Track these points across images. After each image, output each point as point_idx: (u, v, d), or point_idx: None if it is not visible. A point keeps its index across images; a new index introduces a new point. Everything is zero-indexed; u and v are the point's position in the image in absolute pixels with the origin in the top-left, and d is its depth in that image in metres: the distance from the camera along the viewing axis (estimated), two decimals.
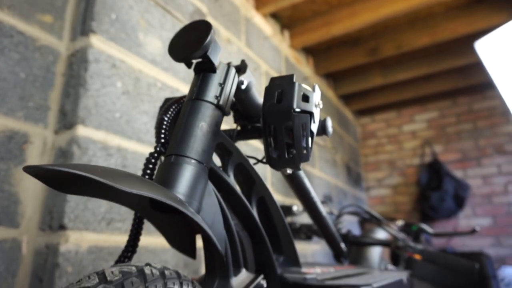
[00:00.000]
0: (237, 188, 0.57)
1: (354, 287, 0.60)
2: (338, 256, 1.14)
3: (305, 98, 0.52)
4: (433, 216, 3.28)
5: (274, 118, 0.51)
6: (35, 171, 0.36)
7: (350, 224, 2.79)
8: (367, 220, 1.13)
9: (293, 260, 0.67)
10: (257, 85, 2.19)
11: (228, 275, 0.53)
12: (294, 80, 0.52)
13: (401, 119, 3.83)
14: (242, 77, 0.60)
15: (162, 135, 0.54)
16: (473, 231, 1.05)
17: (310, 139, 0.52)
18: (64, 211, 0.92)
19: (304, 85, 0.53)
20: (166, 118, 0.55)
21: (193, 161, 0.48)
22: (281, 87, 0.52)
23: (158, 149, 0.52)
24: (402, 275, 0.95)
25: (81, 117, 1.00)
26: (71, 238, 0.92)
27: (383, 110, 3.92)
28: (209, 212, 0.49)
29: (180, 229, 0.52)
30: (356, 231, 2.41)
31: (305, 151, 0.51)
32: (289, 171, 0.53)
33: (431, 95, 3.57)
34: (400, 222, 1.16)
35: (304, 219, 1.97)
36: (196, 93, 0.53)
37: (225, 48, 1.91)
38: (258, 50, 2.26)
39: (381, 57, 2.89)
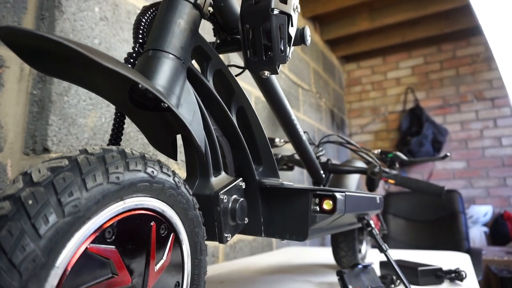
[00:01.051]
0: (216, 93, 0.59)
1: (327, 191, 0.65)
2: (317, 183, 1.19)
3: (283, 0, 0.52)
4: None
5: (252, 19, 0.51)
6: (12, 34, 0.35)
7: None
8: (345, 147, 1.17)
9: (272, 171, 0.70)
10: None
11: (208, 174, 0.56)
12: None
13: (386, 66, 3.83)
14: None
15: (140, 35, 0.53)
16: (444, 156, 1.11)
17: (287, 41, 0.53)
18: (47, 135, 0.92)
19: None
20: (143, 19, 0.54)
21: (171, 55, 0.49)
22: None
23: (136, 49, 0.52)
24: (376, 195, 1.01)
25: None
26: None
27: (369, 57, 3.90)
28: (189, 109, 0.50)
29: (160, 128, 0.53)
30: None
31: (282, 54, 0.52)
32: (266, 73, 0.55)
33: (417, 41, 3.56)
34: (376, 151, 1.21)
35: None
36: None
37: None
38: None
39: None
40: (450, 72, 3.52)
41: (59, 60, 0.42)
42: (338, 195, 0.65)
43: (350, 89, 3.99)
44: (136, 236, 0.39)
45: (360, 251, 1.32)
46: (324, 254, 1.72)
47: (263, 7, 0.50)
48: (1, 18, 0.97)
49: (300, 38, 0.58)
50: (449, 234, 2.40)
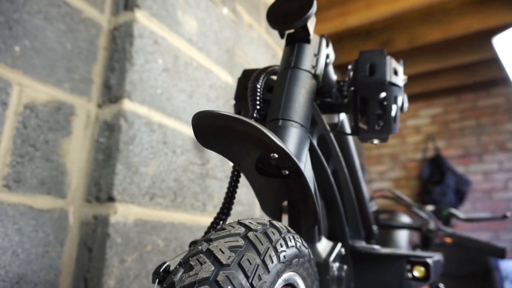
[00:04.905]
0: (323, 157, 0.59)
1: (420, 257, 0.63)
2: (369, 238, 1.17)
3: (395, 72, 0.54)
4: None
5: (367, 90, 0.52)
6: (205, 117, 0.37)
7: None
8: (400, 204, 1.16)
9: (357, 233, 0.69)
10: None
11: (314, 240, 0.55)
12: (385, 54, 0.54)
13: (405, 113, 3.87)
14: (327, 51, 0.62)
15: (258, 102, 0.55)
16: (504, 217, 1.09)
17: (398, 112, 0.54)
18: (113, 184, 0.93)
19: (393, 59, 0.55)
20: (258, 86, 0.56)
21: (298, 125, 0.50)
22: (372, 60, 0.54)
23: (255, 115, 0.54)
24: (439, 256, 0.98)
25: (127, 91, 1.00)
26: (119, 210, 0.93)
27: None
28: (309, 176, 0.50)
29: (273, 193, 0.53)
30: None
31: (394, 124, 0.53)
32: (376, 141, 0.55)
33: (436, 91, 3.62)
34: (430, 207, 1.19)
35: None
36: (294, 62, 0.55)
37: (247, 33, 1.91)
38: (276, 38, 2.26)
39: (392, 50, 2.92)
40: (471, 121, 3.54)
41: (224, 136, 0.44)
42: (430, 261, 0.63)
43: None
44: None
45: None
46: None
47: (379, 80, 0.52)
48: (75, 67, 1.01)
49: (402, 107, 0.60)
50: None
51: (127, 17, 1.08)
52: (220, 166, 1.32)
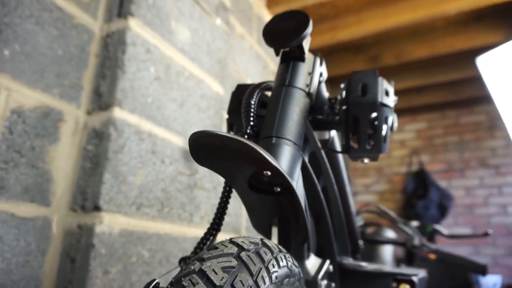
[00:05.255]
0: (314, 175, 0.60)
1: (406, 275, 0.64)
2: (355, 252, 1.17)
3: (387, 93, 0.55)
4: None
5: (360, 110, 0.54)
6: (201, 137, 0.37)
7: None
8: (385, 219, 1.17)
9: (344, 249, 0.70)
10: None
11: (303, 257, 0.55)
12: (377, 74, 0.55)
13: None
14: (321, 69, 0.63)
15: (252, 119, 0.55)
16: (485, 234, 1.11)
17: (388, 132, 0.55)
18: (100, 192, 0.91)
19: (384, 80, 0.56)
20: (252, 102, 0.56)
21: (292, 143, 0.50)
22: (364, 80, 0.55)
23: (248, 131, 0.54)
24: (424, 272, 0.99)
25: (118, 99, 1.00)
26: (105, 219, 0.91)
27: None
28: (300, 193, 0.51)
29: (264, 210, 0.53)
30: None
31: (384, 143, 0.54)
32: (366, 160, 0.56)
33: (421, 106, 3.70)
34: (414, 223, 1.21)
35: None
36: (289, 80, 0.55)
37: (239, 44, 1.93)
38: (267, 49, 2.28)
39: (380, 65, 2.98)
40: (454, 137, 3.63)
41: (219, 154, 0.44)
42: (415, 279, 0.64)
43: None
44: None
45: None
46: None
47: (371, 100, 0.53)
48: (65, 73, 1.00)
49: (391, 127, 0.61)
50: None
51: (120, 25, 1.08)
52: (208, 176, 1.31)
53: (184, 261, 0.51)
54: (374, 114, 0.54)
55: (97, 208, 0.91)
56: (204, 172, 1.30)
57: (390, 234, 1.32)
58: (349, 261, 0.66)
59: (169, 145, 1.15)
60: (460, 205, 3.43)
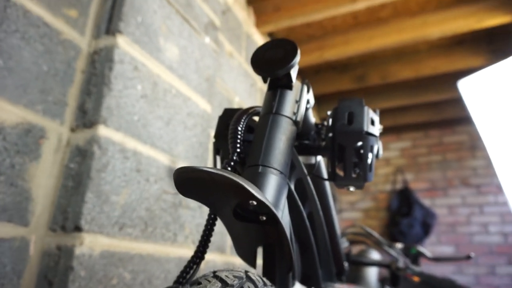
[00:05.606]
0: (299, 202, 0.59)
1: None
2: (340, 274, 1.17)
3: (372, 122, 0.56)
4: (401, 241, 3.42)
5: (345, 138, 0.54)
6: (185, 172, 0.37)
7: None
8: (370, 241, 1.18)
9: (329, 273, 0.69)
10: (254, 102, 2.23)
11: (288, 286, 0.54)
12: (364, 104, 0.56)
13: None
14: (308, 96, 0.63)
15: (238, 145, 0.55)
16: (468, 257, 1.13)
17: (374, 160, 0.55)
18: (82, 212, 0.89)
19: (370, 109, 0.57)
20: (239, 128, 0.56)
21: (278, 172, 0.50)
22: (350, 109, 0.56)
23: (235, 158, 0.54)
24: None
25: (103, 117, 0.98)
26: (86, 241, 0.88)
27: None
28: (285, 222, 0.50)
29: (249, 238, 0.53)
30: None
31: (370, 172, 0.55)
32: (352, 189, 0.56)
33: (406, 125, 3.78)
34: (399, 245, 1.22)
35: None
36: (276, 108, 0.55)
37: (227, 62, 1.94)
38: None
39: (366, 85, 3.04)
40: (437, 156, 3.70)
41: (204, 187, 0.43)
42: None
43: None
44: None
45: None
46: None
47: (357, 129, 0.53)
48: (50, 89, 0.99)
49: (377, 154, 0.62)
50: None
51: (108, 42, 1.07)
52: None
53: None
54: (359, 143, 0.55)
55: (78, 229, 0.88)
56: None
57: (374, 255, 1.32)
58: (333, 287, 0.65)
59: (154, 163, 1.14)
60: (443, 223, 3.48)
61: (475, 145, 3.55)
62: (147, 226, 1.07)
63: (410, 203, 3.51)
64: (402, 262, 1.14)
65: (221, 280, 0.36)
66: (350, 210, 3.89)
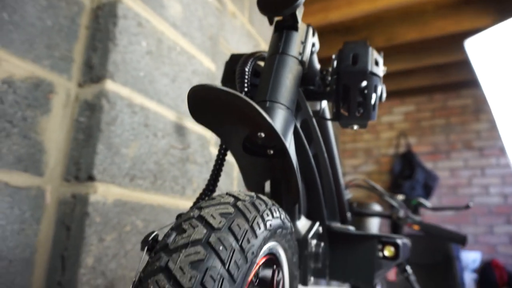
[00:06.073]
0: (305, 141, 0.62)
1: (390, 238, 0.67)
2: (343, 223, 1.22)
3: (376, 63, 0.57)
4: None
5: (350, 78, 0.55)
6: (200, 91, 0.39)
7: None
8: (372, 193, 1.21)
9: (333, 215, 0.73)
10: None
11: (294, 218, 0.57)
12: (368, 45, 0.57)
13: (381, 110, 3.99)
14: (313, 39, 0.64)
15: (246, 85, 0.57)
16: (467, 207, 1.17)
17: (377, 101, 0.57)
18: (94, 163, 0.92)
19: (374, 51, 0.58)
20: (246, 70, 0.58)
21: (285, 107, 0.52)
22: (355, 50, 0.57)
23: None
24: (407, 240, 1.04)
25: (110, 72, 1.00)
26: (99, 189, 0.92)
27: None
28: (292, 156, 0.53)
29: (258, 172, 0.55)
30: None
31: (373, 111, 0.57)
32: (355, 127, 0.58)
33: (410, 89, 3.75)
34: (400, 197, 1.26)
35: None
36: (282, 48, 0.57)
37: (230, 22, 1.92)
38: (259, 28, 2.27)
39: (371, 47, 2.99)
40: (441, 120, 3.70)
41: (216, 110, 0.45)
42: (399, 242, 0.68)
43: (345, 130, 4.11)
44: (264, 282, 0.41)
45: None
46: None
47: (361, 68, 0.55)
48: (55, 45, 0.99)
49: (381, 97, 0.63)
50: (445, 279, 2.43)
51: None
52: (200, 151, 1.33)
53: (180, 216, 0.53)
54: (364, 83, 0.56)
55: (91, 178, 0.92)
56: (196, 147, 1.31)
57: (376, 207, 1.36)
58: (337, 225, 0.69)
59: (161, 119, 1.16)
60: (445, 185, 3.53)
61: (479, 108, 3.54)
62: (157, 179, 1.11)
63: (413, 166, 3.55)
64: (403, 212, 1.18)
65: (234, 196, 0.39)
66: (353, 174, 3.95)
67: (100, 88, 0.98)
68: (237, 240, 0.32)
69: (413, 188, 3.42)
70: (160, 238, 0.43)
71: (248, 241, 0.33)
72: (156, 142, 1.13)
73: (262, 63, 0.64)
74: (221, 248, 0.30)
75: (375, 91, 0.56)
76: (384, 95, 0.65)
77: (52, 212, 0.94)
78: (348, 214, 1.19)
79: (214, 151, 1.45)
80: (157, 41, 1.18)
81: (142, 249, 0.41)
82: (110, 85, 0.99)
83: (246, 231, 0.33)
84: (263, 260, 0.39)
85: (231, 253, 0.31)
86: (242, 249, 0.32)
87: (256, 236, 0.34)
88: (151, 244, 0.41)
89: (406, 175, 3.55)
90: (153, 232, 0.42)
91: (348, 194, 1.25)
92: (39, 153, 0.93)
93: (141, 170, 1.06)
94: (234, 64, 0.66)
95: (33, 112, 0.92)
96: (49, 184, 0.94)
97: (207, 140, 1.39)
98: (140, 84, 1.09)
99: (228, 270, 0.29)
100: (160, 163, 1.13)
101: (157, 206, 1.10)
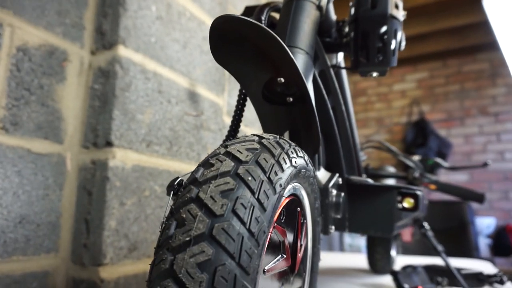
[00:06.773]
0: (323, 89, 0.61)
1: (410, 189, 0.67)
2: None
3: (396, 6, 0.55)
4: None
5: (369, 23, 0.54)
6: (222, 23, 0.39)
7: None
8: (387, 152, 1.21)
9: (352, 168, 0.73)
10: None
11: (315, 168, 0.58)
12: None
13: (392, 78, 3.91)
14: None
15: None
16: (485, 165, 1.15)
17: (397, 46, 0.56)
18: (111, 129, 0.93)
19: None
20: (263, 18, 0.57)
21: (304, 52, 0.51)
22: None
23: None
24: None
25: (122, 37, 0.99)
26: (117, 155, 0.94)
27: None
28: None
29: (277, 122, 0.55)
30: None
31: (393, 57, 0.55)
32: (375, 74, 0.57)
33: (423, 55, 3.65)
34: (416, 157, 1.25)
35: None
36: None
37: None
38: None
39: None
40: (455, 86, 3.62)
41: (237, 44, 0.44)
42: (419, 193, 0.68)
43: (356, 99, 4.06)
44: (290, 221, 0.41)
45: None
46: (343, 259, 1.74)
47: (380, 12, 0.53)
48: (66, 11, 0.99)
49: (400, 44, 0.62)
50: (459, 244, 2.45)
51: None
52: (213, 118, 1.33)
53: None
54: (383, 28, 0.55)
55: (109, 144, 0.93)
56: (209, 114, 1.31)
57: (391, 169, 1.36)
58: (356, 177, 0.69)
59: (174, 86, 1.16)
60: (459, 152, 3.49)
61: (496, 72, 3.44)
62: (172, 145, 1.12)
63: (426, 134, 3.51)
64: (418, 172, 1.17)
65: (258, 136, 0.39)
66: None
67: (113, 54, 0.98)
68: (264, 172, 0.32)
69: (426, 155, 3.39)
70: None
71: (276, 174, 0.33)
72: (170, 109, 1.13)
73: (277, 15, 0.63)
74: (249, 178, 0.31)
75: (395, 37, 0.55)
76: (404, 42, 0.63)
77: (74, 178, 0.96)
78: (364, 176, 1.20)
79: (227, 119, 1.45)
80: (166, 6, 1.16)
81: (168, 193, 0.42)
82: (122, 51, 0.98)
83: (273, 164, 0.34)
84: (287, 200, 0.39)
85: (260, 184, 0.31)
86: (270, 180, 0.32)
87: (283, 170, 0.34)
88: (177, 189, 0.41)
89: (419, 143, 3.52)
90: (177, 178, 0.43)
91: (363, 156, 1.25)
92: (58, 121, 0.94)
93: (156, 136, 1.07)
94: (249, 15, 0.64)
95: (48, 80, 0.92)
96: (68, 151, 0.96)
97: (219, 107, 1.39)
98: (152, 50, 1.08)
99: (258, 199, 0.30)
100: (175, 129, 1.14)
101: (174, 172, 1.12)
